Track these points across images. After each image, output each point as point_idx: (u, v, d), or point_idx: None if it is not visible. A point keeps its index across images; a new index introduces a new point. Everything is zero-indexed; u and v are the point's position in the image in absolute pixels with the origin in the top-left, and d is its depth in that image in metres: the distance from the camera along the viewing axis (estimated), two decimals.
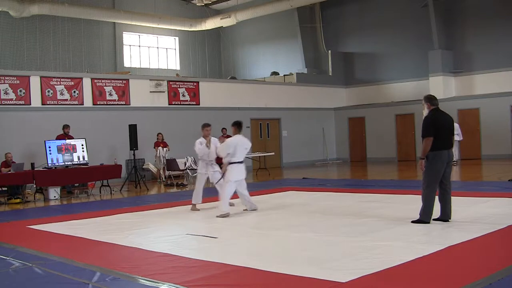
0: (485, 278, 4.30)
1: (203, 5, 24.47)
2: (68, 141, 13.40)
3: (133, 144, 14.58)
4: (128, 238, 6.95)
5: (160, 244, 6.43)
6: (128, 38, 23.88)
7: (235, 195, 8.78)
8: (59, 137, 13.62)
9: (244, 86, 21.30)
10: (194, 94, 19.06)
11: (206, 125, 9.33)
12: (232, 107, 19.90)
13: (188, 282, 4.62)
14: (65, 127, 13.96)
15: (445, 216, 6.91)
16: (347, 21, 23.84)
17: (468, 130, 19.32)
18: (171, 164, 15.94)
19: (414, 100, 20.85)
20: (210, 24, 23.99)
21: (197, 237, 6.84)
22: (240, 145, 8.61)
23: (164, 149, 16.17)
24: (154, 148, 16.32)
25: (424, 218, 6.82)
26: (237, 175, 8.53)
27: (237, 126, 8.85)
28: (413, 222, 6.90)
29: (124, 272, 5.08)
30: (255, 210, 8.84)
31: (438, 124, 6.80)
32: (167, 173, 16.12)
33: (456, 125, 19.39)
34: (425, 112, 7.08)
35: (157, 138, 16.39)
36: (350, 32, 23.81)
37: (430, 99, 7.06)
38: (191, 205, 9.38)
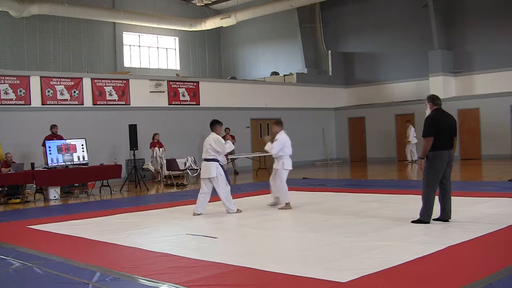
0: (485, 278, 4.30)
1: (203, 5, 24.46)
2: (68, 141, 13.39)
3: (133, 144, 14.58)
4: (128, 238, 6.95)
5: (160, 244, 6.43)
6: (128, 38, 23.88)
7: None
8: (47, 138, 13.56)
9: (244, 86, 21.30)
10: (194, 94, 19.06)
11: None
12: (232, 107, 19.90)
13: (188, 282, 4.62)
14: (53, 126, 13.90)
15: (445, 216, 6.91)
16: (347, 21, 23.84)
17: (468, 130, 19.34)
18: (171, 164, 15.94)
19: (414, 100, 20.88)
20: (210, 24, 23.99)
21: (197, 237, 6.84)
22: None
23: (161, 149, 16.16)
24: (150, 148, 16.30)
25: (424, 218, 6.82)
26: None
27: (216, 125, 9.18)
28: (413, 222, 6.91)
29: (124, 272, 5.08)
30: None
31: (439, 124, 6.78)
32: (166, 172, 16.13)
33: (412, 129, 19.78)
34: (428, 111, 7.07)
35: (153, 139, 16.37)
36: (350, 32, 23.81)
37: (433, 99, 7.04)
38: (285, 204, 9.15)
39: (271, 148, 9.14)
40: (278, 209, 9.01)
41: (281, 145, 9.11)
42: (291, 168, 9.23)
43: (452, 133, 6.91)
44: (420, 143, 19.54)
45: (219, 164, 8.76)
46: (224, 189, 8.73)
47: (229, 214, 8.74)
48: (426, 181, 6.84)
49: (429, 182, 6.81)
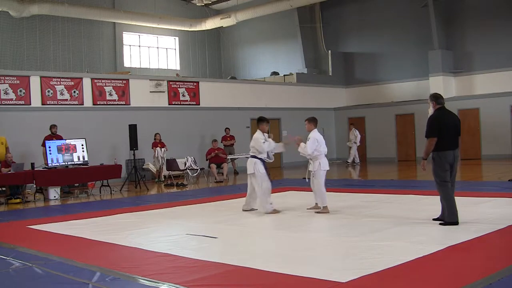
0: (485, 278, 4.30)
1: (203, 5, 24.47)
2: (68, 141, 13.39)
3: (133, 144, 14.58)
4: (128, 238, 6.95)
5: (160, 244, 6.42)
6: (128, 38, 23.88)
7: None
8: (47, 138, 13.56)
9: (244, 86, 21.30)
10: (194, 94, 19.07)
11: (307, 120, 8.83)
12: (232, 107, 19.90)
13: (188, 282, 4.62)
14: (52, 126, 13.91)
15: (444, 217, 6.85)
16: (347, 21, 23.84)
17: (468, 130, 19.34)
18: (171, 164, 15.95)
19: (414, 100, 20.89)
20: (210, 24, 23.99)
21: (197, 237, 6.83)
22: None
23: (162, 149, 16.18)
24: (152, 148, 16.33)
25: (451, 219, 6.61)
26: None
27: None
28: (441, 224, 6.70)
29: (124, 272, 5.08)
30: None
31: (442, 123, 6.63)
32: (166, 172, 16.14)
33: (356, 132, 20.06)
34: (431, 111, 6.91)
35: (155, 139, 16.41)
36: (350, 32, 23.81)
37: (436, 98, 6.86)
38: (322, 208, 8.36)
39: (304, 148, 8.34)
40: (315, 212, 8.27)
41: (315, 144, 8.30)
42: (328, 168, 8.46)
43: (456, 133, 6.76)
44: (360, 147, 19.99)
45: (260, 160, 8.53)
46: (261, 187, 8.45)
47: (230, 214, 8.73)
48: (438, 183, 6.69)
49: (441, 183, 6.65)
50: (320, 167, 8.34)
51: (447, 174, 6.65)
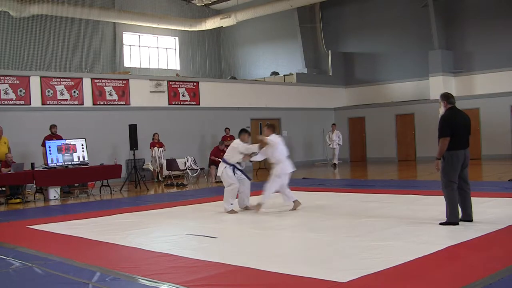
0: (485, 278, 4.30)
1: (203, 5, 24.47)
2: (68, 141, 13.40)
3: (133, 144, 14.58)
4: (128, 238, 6.95)
5: (160, 244, 6.43)
6: (128, 38, 23.87)
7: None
8: (47, 138, 13.56)
9: (244, 86, 21.30)
10: (194, 94, 19.06)
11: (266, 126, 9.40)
12: (232, 107, 19.89)
13: (188, 282, 4.62)
14: (52, 126, 13.90)
15: (466, 217, 6.77)
16: (347, 21, 23.84)
17: None
18: (171, 164, 15.94)
19: (414, 100, 20.88)
20: (210, 24, 23.99)
21: (197, 237, 6.83)
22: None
23: (160, 149, 16.17)
24: (150, 148, 16.31)
25: (452, 219, 6.61)
26: None
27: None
28: (441, 224, 6.69)
29: (124, 272, 5.08)
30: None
31: (455, 123, 6.63)
32: (166, 172, 16.13)
33: (338, 132, 20.04)
34: (441, 110, 6.88)
35: (153, 139, 16.39)
36: (350, 32, 23.81)
37: (447, 97, 6.84)
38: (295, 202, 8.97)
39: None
40: (250, 207, 8.97)
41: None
42: (291, 171, 9.16)
43: (467, 132, 6.75)
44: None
45: (229, 165, 8.91)
46: (228, 187, 8.90)
47: (229, 214, 8.75)
48: (444, 182, 6.68)
49: (447, 183, 6.64)
50: (282, 171, 8.84)
51: (456, 174, 6.65)
